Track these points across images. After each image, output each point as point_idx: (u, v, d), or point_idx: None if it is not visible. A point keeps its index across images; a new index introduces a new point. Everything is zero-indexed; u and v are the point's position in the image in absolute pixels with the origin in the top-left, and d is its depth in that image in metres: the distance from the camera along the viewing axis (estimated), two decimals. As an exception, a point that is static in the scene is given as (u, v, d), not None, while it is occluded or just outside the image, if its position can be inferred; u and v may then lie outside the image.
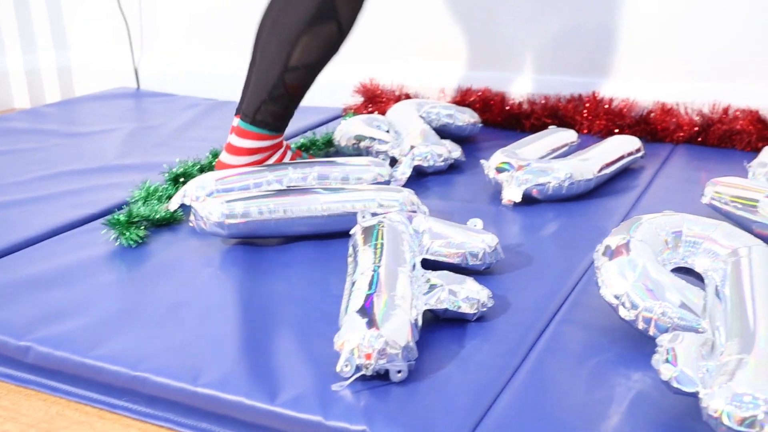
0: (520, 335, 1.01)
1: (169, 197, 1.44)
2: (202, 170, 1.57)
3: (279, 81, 1.43)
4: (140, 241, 1.31)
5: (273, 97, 1.45)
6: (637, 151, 1.61)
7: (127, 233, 1.30)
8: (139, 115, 2.24)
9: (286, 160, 1.54)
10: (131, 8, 2.49)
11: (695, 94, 1.82)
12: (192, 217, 1.30)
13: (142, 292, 1.15)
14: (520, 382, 0.91)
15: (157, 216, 1.36)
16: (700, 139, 1.76)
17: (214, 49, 2.41)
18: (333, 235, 1.29)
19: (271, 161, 1.51)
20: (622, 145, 1.59)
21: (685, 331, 0.91)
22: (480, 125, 1.84)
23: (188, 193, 1.38)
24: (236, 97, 1.54)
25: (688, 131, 1.76)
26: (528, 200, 1.44)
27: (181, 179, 1.52)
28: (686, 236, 1.07)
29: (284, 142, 1.56)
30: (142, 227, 1.34)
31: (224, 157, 1.51)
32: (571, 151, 1.62)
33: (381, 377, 0.90)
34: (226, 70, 2.29)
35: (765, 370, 0.76)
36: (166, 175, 1.54)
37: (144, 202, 1.41)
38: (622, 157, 1.56)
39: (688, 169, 1.63)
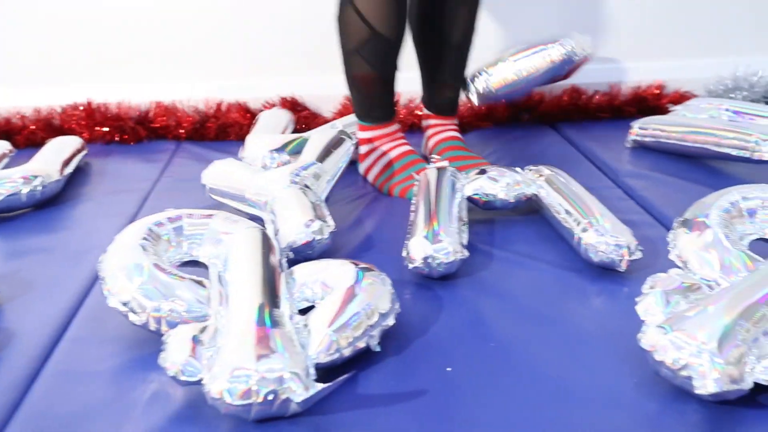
0: (28, 362, 0.94)
1: None
2: None
3: (345, 71, 1.50)
4: None
5: (350, 88, 1.52)
6: (83, 148, 1.67)
7: None
8: None
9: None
10: None
11: (191, 92, 1.89)
12: None
13: None
14: (31, 408, 0.86)
15: None
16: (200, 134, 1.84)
17: None
18: None
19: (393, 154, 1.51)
20: (70, 145, 1.63)
21: (194, 321, 0.94)
22: None
23: None
24: None
25: (188, 128, 1.82)
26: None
27: None
28: (187, 230, 1.11)
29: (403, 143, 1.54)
30: None
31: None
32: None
33: None
34: None
35: (245, 342, 0.81)
36: None
37: None
38: (73, 155, 1.60)
39: (194, 163, 1.69)
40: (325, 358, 0.86)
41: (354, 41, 1.44)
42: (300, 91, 1.89)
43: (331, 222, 1.18)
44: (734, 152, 1.46)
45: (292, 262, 1.05)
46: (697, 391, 0.80)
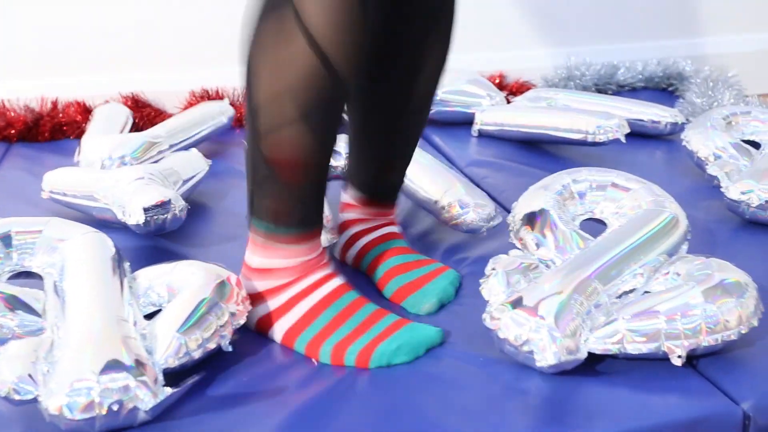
0: None
1: None
2: None
3: (257, 154, 0.86)
4: None
5: (258, 183, 0.88)
6: None
7: None
8: None
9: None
10: None
11: (21, 92, 1.78)
12: None
13: None
14: None
15: None
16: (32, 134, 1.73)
17: None
18: None
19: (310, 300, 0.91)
20: None
21: (29, 336, 0.88)
22: None
23: None
24: None
25: (19, 128, 1.71)
26: None
27: None
28: (16, 240, 1.04)
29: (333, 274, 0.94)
30: None
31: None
32: None
33: None
34: None
35: (85, 353, 0.77)
36: None
37: None
38: None
39: (27, 166, 1.59)
40: (174, 363, 0.84)
41: (302, 98, 0.81)
42: (142, 88, 1.82)
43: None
44: (572, 136, 1.55)
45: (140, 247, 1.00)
46: (538, 365, 0.84)
